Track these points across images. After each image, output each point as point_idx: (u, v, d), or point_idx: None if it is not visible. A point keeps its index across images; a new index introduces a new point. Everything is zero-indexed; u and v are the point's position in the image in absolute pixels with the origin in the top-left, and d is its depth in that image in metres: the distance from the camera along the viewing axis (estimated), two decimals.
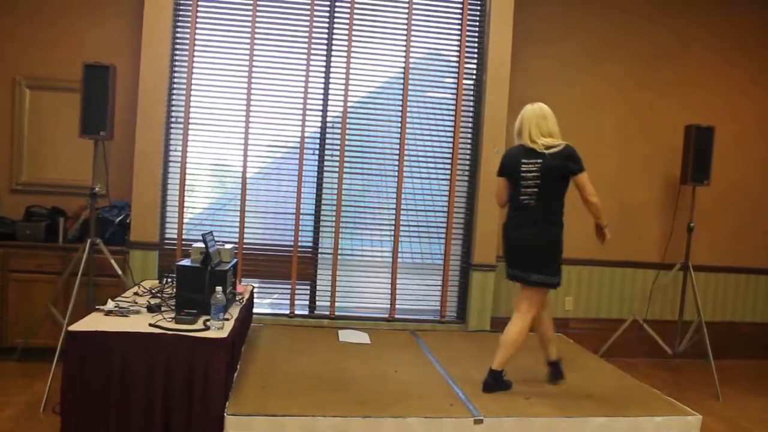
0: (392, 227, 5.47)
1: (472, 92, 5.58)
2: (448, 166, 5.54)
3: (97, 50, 5.30)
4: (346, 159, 5.40)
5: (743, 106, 6.28)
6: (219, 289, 3.36)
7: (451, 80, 5.57)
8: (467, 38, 5.52)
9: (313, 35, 5.37)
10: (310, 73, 5.38)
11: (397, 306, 5.53)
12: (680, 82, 6.14)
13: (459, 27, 5.52)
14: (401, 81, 5.46)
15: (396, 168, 5.47)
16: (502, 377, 3.74)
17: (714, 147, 5.55)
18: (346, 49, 5.41)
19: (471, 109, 5.57)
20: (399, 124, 5.45)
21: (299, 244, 5.42)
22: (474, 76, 5.57)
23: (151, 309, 3.56)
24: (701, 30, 6.16)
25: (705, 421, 3.53)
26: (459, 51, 5.52)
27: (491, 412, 3.32)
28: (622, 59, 6.05)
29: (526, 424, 3.28)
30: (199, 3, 5.24)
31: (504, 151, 4.07)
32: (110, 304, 3.52)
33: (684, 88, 6.15)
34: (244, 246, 5.38)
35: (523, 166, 3.78)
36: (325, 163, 5.46)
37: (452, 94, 5.55)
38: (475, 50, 5.56)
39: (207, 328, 3.25)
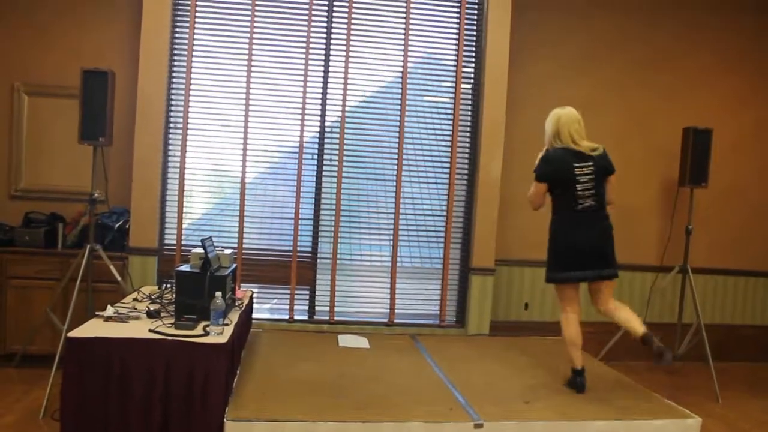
0: (391, 231, 5.47)
1: (470, 96, 5.59)
2: (447, 170, 5.55)
3: (95, 56, 5.31)
4: (344, 163, 5.41)
5: (741, 109, 6.30)
6: (218, 294, 3.36)
7: (449, 84, 5.58)
8: (465, 42, 5.53)
9: (311, 40, 5.38)
10: (309, 78, 5.39)
11: (396, 310, 5.53)
12: (678, 85, 6.16)
13: (457, 31, 5.53)
14: (399, 85, 5.48)
15: (395, 172, 5.48)
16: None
17: (712, 149, 5.55)
18: (344, 53, 5.42)
19: (469, 113, 5.58)
20: (397, 128, 5.46)
21: (298, 248, 5.42)
22: (472, 80, 5.58)
23: (150, 315, 3.56)
24: (699, 34, 6.18)
25: (705, 424, 3.53)
26: (457, 55, 5.53)
27: (491, 416, 3.32)
28: (620, 62, 6.07)
29: (526, 428, 3.28)
30: (197, 9, 5.25)
31: (542, 155, 4.12)
32: (110, 310, 3.52)
33: (682, 91, 6.16)
34: (243, 251, 5.38)
35: (577, 169, 3.88)
36: (324, 167, 5.46)
37: (450, 98, 5.56)
38: (473, 54, 5.57)
39: (207, 334, 3.25)
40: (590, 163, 3.91)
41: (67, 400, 3.02)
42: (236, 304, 4.05)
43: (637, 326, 3.92)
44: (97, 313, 3.51)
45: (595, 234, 3.94)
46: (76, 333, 3.16)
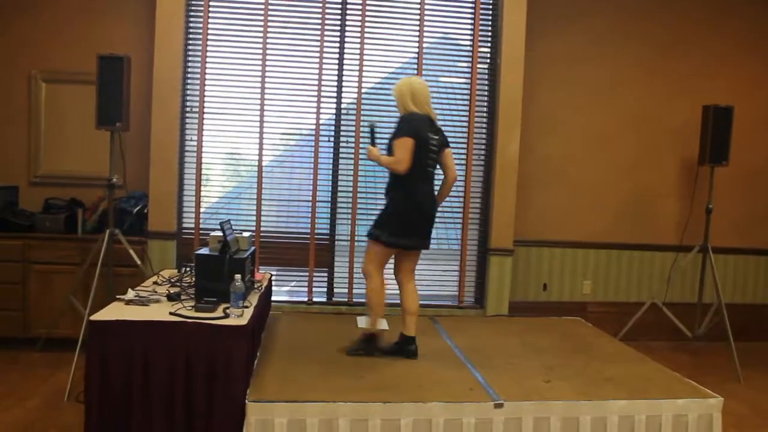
0: None
1: (486, 76, 5.54)
2: (464, 151, 5.52)
3: (111, 42, 5.33)
4: (361, 145, 5.39)
5: (762, 87, 6.20)
6: (238, 276, 3.37)
7: (466, 65, 5.53)
8: (481, 22, 5.48)
9: (327, 21, 5.36)
10: (324, 60, 5.38)
11: None
12: (698, 64, 6.08)
13: (472, 11, 5.48)
14: (415, 66, 5.44)
15: None
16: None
17: (733, 127, 5.47)
18: (359, 34, 5.39)
19: (486, 93, 5.54)
20: None
21: (316, 231, 5.44)
22: (488, 60, 5.54)
23: (170, 298, 3.58)
24: (719, 14, 6.08)
25: (726, 404, 3.50)
26: (473, 35, 5.48)
27: (511, 395, 3.31)
28: (640, 42, 6.00)
29: (546, 407, 3.27)
30: None
31: (404, 117, 3.87)
32: (130, 294, 3.55)
33: (701, 70, 6.08)
34: (261, 234, 5.40)
35: (431, 136, 3.80)
36: (341, 149, 5.45)
37: (467, 78, 5.52)
38: (489, 34, 5.52)
39: (227, 316, 3.27)
40: (437, 136, 3.84)
41: (91, 382, 3.05)
42: (255, 286, 4.06)
43: (410, 325, 3.94)
44: (117, 296, 3.54)
45: (431, 204, 3.86)
46: (98, 316, 3.18)
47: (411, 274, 4.01)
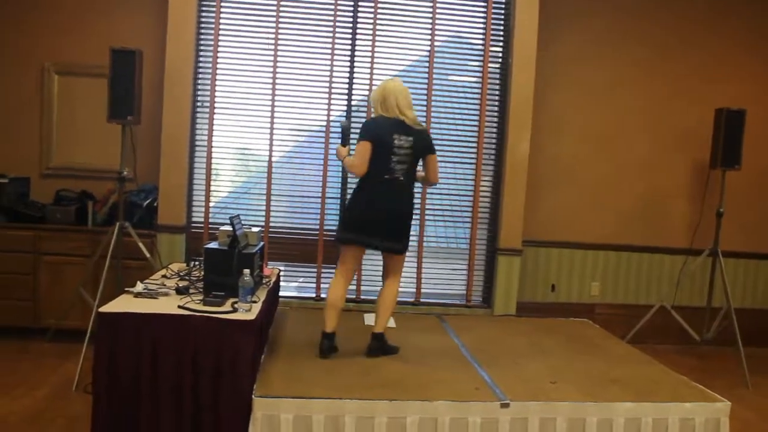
0: (418, 212, 5.46)
1: (497, 76, 5.53)
2: (474, 150, 5.51)
3: (123, 35, 5.34)
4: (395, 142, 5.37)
5: None
6: (247, 271, 3.38)
7: (477, 64, 5.53)
8: (492, 21, 5.47)
9: (338, 18, 5.36)
10: (335, 57, 5.38)
11: (422, 290, 5.54)
12: (710, 65, 6.04)
13: (484, 10, 5.46)
14: (426, 64, 5.44)
15: None
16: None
17: (745, 131, 5.43)
18: (371, 31, 5.39)
19: (497, 92, 5.53)
20: (425, 108, 5.43)
21: (325, 227, 5.44)
22: (500, 60, 5.52)
23: (179, 291, 3.60)
24: (732, 13, 6.03)
25: (734, 409, 3.48)
26: (484, 34, 5.47)
27: (517, 395, 3.31)
28: (653, 40, 5.96)
29: (552, 408, 3.27)
30: None
31: (365, 121, 3.96)
32: (139, 286, 3.56)
33: (714, 72, 6.04)
34: (270, 229, 5.41)
35: (396, 140, 3.75)
36: (351, 146, 5.43)
37: (477, 77, 5.51)
38: (501, 33, 5.51)
39: (235, 311, 3.28)
40: (411, 138, 3.76)
41: (99, 373, 3.06)
42: (264, 281, 4.07)
43: (380, 322, 3.94)
44: (126, 289, 3.55)
45: (395, 206, 3.80)
46: (107, 308, 3.20)
47: (392, 276, 3.98)
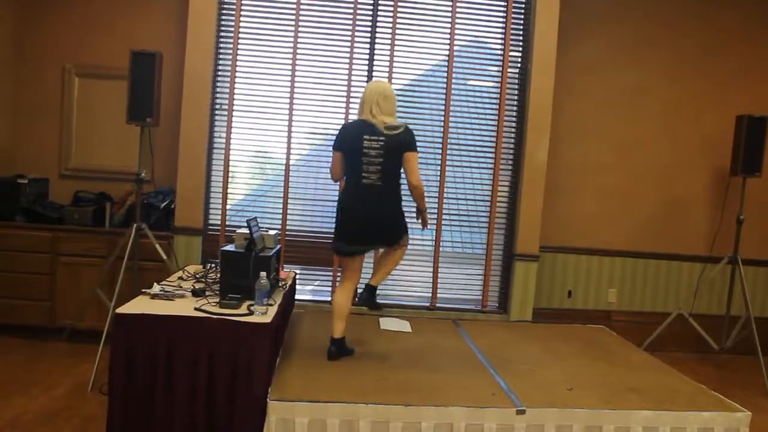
0: (434, 216, 5.44)
1: (516, 81, 5.51)
2: (492, 156, 5.49)
3: (143, 38, 5.38)
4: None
5: None
6: (263, 274, 3.38)
7: (496, 69, 5.50)
8: (512, 26, 5.45)
9: (358, 21, 5.36)
10: (354, 60, 5.38)
11: (438, 295, 5.52)
12: (732, 72, 5.98)
13: (504, 15, 5.44)
14: (445, 69, 5.43)
15: (439, 156, 5.44)
16: (345, 343, 3.89)
17: (767, 138, 5.37)
18: (390, 35, 5.38)
19: (515, 97, 5.51)
20: (442, 112, 5.41)
21: None
22: (519, 65, 5.50)
23: (195, 293, 3.61)
24: (757, 18, 5.97)
25: (753, 419, 3.43)
26: (504, 39, 5.45)
27: (534, 402, 3.28)
28: (674, 46, 5.92)
29: (568, 415, 3.24)
30: None
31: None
32: (156, 288, 3.57)
33: (735, 78, 5.98)
34: (287, 233, 5.41)
35: (365, 142, 3.74)
36: None
37: (496, 82, 5.49)
38: (520, 38, 5.49)
39: (251, 313, 3.28)
40: (381, 138, 3.71)
41: (115, 374, 3.07)
42: (280, 284, 4.07)
43: (378, 276, 4.01)
44: (143, 290, 3.56)
45: (373, 211, 3.77)
46: (123, 309, 3.21)
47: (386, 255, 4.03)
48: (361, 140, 3.73)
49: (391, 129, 3.73)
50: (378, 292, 5.39)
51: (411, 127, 3.84)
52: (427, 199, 5.38)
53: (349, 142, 3.77)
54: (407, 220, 3.95)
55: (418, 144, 3.82)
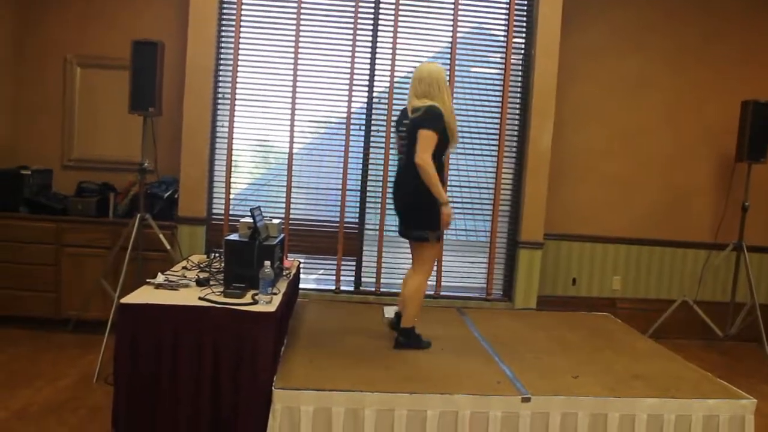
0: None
1: (520, 68, 5.48)
2: (495, 143, 5.47)
3: (145, 28, 5.36)
4: (392, 134, 5.37)
5: None
6: (267, 263, 3.37)
7: (499, 55, 5.47)
8: (515, 13, 5.41)
9: (360, 9, 5.33)
10: (357, 48, 5.36)
11: (443, 283, 5.52)
12: (735, 59, 5.93)
13: (507, 1, 5.41)
14: (448, 56, 5.40)
15: None
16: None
17: None
18: (392, 23, 5.36)
19: (519, 84, 5.48)
20: None
21: (345, 220, 5.43)
22: (522, 52, 5.47)
23: (200, 283, 3.60)
24: (761, 3, 5.92)
25: (759, 406, 3.43)
26: (507, 26, 5.42)
27: (539, 390, 3.28)
28: (678, 32, 5.87)
29: (574, 402, 3.23)
30: None
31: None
32: (160, 278, 3.57)
33: (739, 65, 5.94)
34: (290, 222, 5.41)
35: (401, 127, 3.94)
36: (372, 138, 5.43)
37: (500, 69, 5.46)
38: (524, 24, 5.45)
39: (255, 302, 3.27)
40: (407, 122, 3.83)
41: (120, 364, 3.07)
42: (284, 273, 4.07)
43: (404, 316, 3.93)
44: (147, 280, 3.56)
45: (395, 189, 3.97)
46: (128, 299, 3.21)
47: (412, 266, 4.06)
48: (401, 125, 3.92)
49: (415, 111, 3.77)
50: (383, 280, 5.46)
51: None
52: None
53: (398, 126, 4.00)
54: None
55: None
